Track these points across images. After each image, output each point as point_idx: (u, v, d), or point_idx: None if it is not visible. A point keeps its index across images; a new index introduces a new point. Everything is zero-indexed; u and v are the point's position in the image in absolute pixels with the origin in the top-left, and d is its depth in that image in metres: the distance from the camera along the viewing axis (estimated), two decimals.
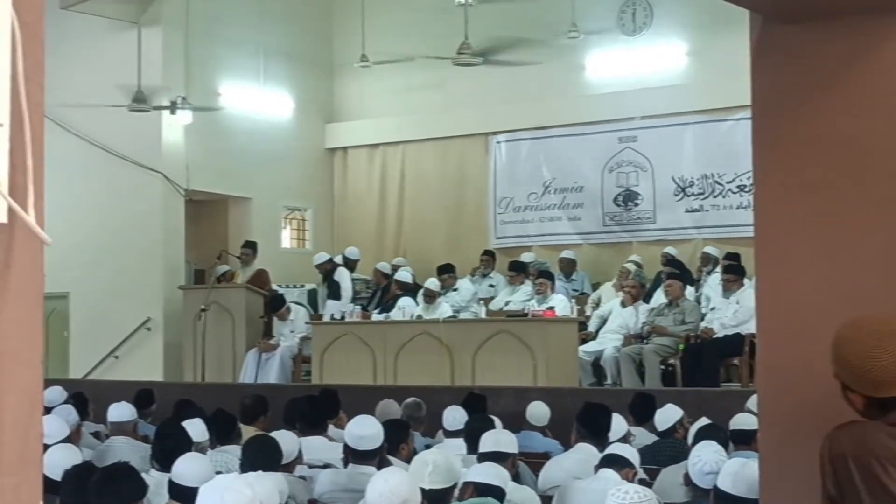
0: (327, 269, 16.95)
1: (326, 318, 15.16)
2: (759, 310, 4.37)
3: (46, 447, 6.34)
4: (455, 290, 15.95)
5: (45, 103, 1.84)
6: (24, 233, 1.79)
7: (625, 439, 8.06)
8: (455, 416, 9.00)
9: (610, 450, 6.97)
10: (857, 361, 3.57)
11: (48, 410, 8.96)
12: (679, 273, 14.29)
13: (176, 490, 6.05)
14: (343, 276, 16.66)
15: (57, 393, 10.78)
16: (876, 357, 3.55)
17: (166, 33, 17.09)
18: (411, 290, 16.04)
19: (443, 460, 5.74)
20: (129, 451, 8.48)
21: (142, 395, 11.55)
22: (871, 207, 4.06)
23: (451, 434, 8.87)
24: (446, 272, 16.33)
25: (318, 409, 9.37)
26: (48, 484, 5.75)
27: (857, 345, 3.58)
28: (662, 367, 13.37)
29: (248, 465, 6.51)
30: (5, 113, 1.74)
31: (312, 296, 17.63)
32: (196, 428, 8.19)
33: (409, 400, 10.35)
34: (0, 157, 1.74)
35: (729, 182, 16.23)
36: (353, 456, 7.18)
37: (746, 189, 15.68)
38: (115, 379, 15.71)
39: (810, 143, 4.17)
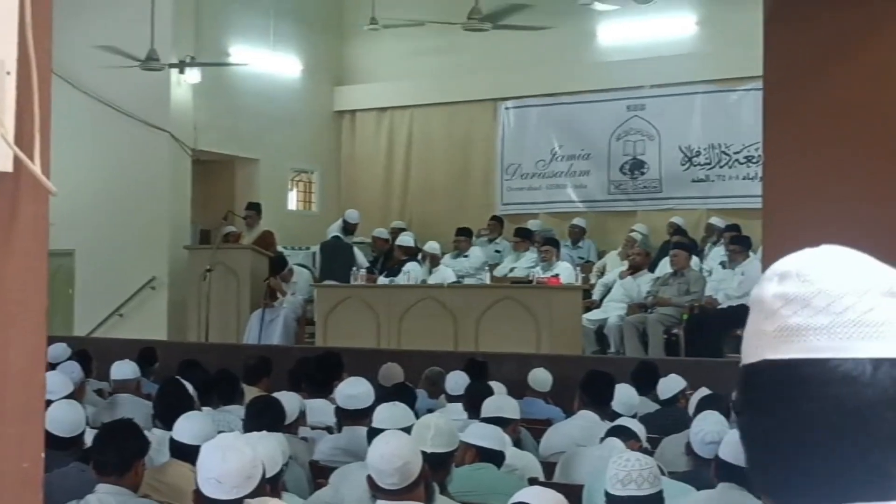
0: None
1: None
2: None
3: (49, 403, 6.35)
4: (466, 256, 15.90)
5: (52, 52, 1.83)
6: (29, 182, 1.77)
7: (634, 416, 8.06)
8: (457, 381, 9.02)
9: (619, 422, 6.99)
10: None
11: (52, 367, 8.98)
12: (685, 243, 14.28)
13: (177, 448, 6.06)
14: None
15: (61, 349, 10.80)
16: None
17: None
18: (414, 254, 16.05)
19: (444, 424, 5.76)
20: (133, 408, 8.50)
21: (145, 354, 11.58)
22: (881, 180, 4.04)
23: (452, 399, 8.90)
24: (463, 234, 16.25)
25: (321, 371, 9.39)
26: (52, 440, 5.77)
27: None
28: (666, 336, 13.38)
29: (251, 425, 6.52)
30: (12, 60, 1.73)
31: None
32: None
33: (434, 368, 10.38)
34: (7, 105, 1.73)
35: (736, 153, 16.18)
36: (344, 416, 7.22)
37: (753, 160, 15.64)
38: (119, 337, 15.72)
39: (822, 112, 4.14)
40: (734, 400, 1.43)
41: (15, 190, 1.77)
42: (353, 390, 7.23)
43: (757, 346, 1.33)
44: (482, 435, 6.24)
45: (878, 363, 1.26)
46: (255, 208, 16.85)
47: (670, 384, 8.99)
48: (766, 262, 4.37)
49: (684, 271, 13.64)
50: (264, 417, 6.62)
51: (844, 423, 1.25)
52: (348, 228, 17.38)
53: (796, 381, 1.28)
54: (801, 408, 1.27)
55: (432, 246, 15.93)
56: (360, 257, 16.43)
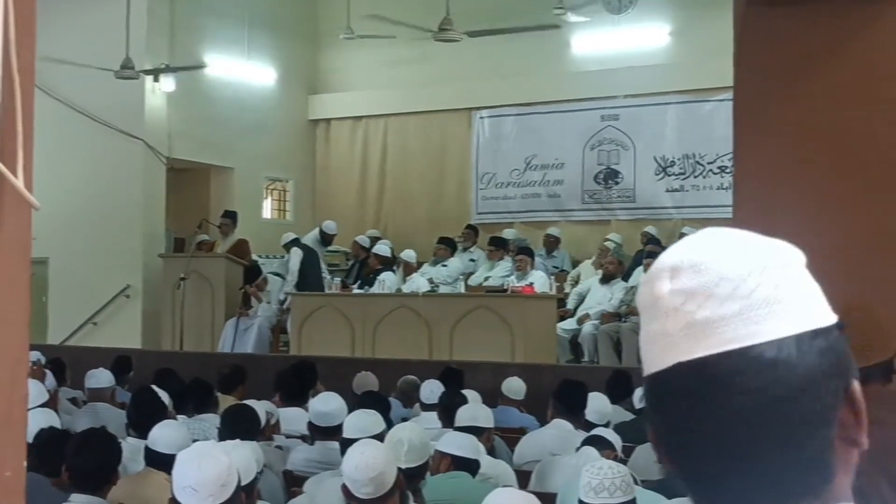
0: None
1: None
2: None
3: None
4: (445, 265, 15.88)
5: (35, 69, 1.86)
6: (12, 196, 1.81)
7: (606, 425, 8.09)
8: (432, 390, 9.05)
9: (595, 432, 7.03)
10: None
11: None
12: (659, 252, 14.32)
13: (152, 456, 6.07)
14: (294, 256, 16.42)
15: (35, 358, 10.76)
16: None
17: (151, 2, 17.01)
18: (390, 263, 16.05)
19: (416, 438, 5.78)
20: (107, 417, 8.50)
21: (120, 362, 11.56)
22: (850, 192, 4.10)
23: (427, 407, 8.92)
24: (444, 243, 16.19)
25: (296, 379, 9.41)
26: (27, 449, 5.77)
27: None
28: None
29: (226, 433, 6.54)
30: None
31: None
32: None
33: (408, 377, 10.40)
34: None
35: (710, 163, 16.27)
36: (317, 432, 7.24)
37: (727, 170, 15.73)
38: (93, 345, 15.69)
39: (791, 125, 4.20)
40: (644, 412, 1.35)
41: None
42: (326, 407, 7.25)
43: (662, 349, 1.22)
44: (457, 444, 6.28)
45: (799, 339, 1.18)
46: (230, 216, 16.83)
47: (640, 392, 9.02)
48: None
49: None
50: (239, 425, 6.64)
51: (779, 412, 1.16)
52: (325, 239, 17.38)
53: (719, 379, 1.17)
54: (730, 406, 1.17)
55: (408, 254, 15.95)
56: (295, 263, 16.41)
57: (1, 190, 1.79)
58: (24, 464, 1.82)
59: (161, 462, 5.81)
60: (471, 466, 6.25)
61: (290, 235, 17.03)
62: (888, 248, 4.04)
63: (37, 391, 8.04)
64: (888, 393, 3.59)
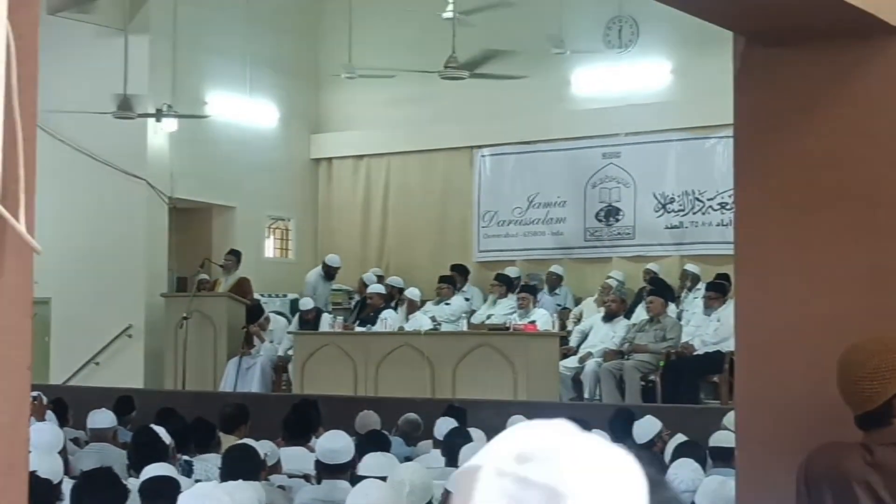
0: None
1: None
2: (739, 328, 4.41)
3: None
4: (448, 304, 15.84)
5: (37, 114, 1.87)
6: (14, 241, 1.81)
7: None
8: (447, 427, 9.03)
9: None
10: (838, 380, 3.62)
11: None
12: (661, 290, 14.32)
13: (145, 497, 6.04)
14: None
15: (34, 394, 10.73)
16: (839, 372, 3.61)
17: (153, 41, 17.10)
18: (389, 300, 16.11)
19: (419, 479, 5.76)
20: (109, 457, 8.48)
21: (122, 402, 11.54)
22: (850, 229, 4.10)
23: (439, 444, 8.89)
24: (446, 282, 16.17)
25: (298, 418, 9.39)
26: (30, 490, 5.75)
27: (840, 364, 3.63)
28: (643, 383, 13.41)
29: (228, 473, 6.52)
30: None
31: (294, 305, 17.63)
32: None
33: (410, 416, 10.38)
34: None
35: (710, 199, 16.28)
36: (324, 471, 7.20)
37: (727, 206, 15.73)
38: (95, 385, 15.67)
39: (791, 164, 4.21)
40: None
41: (0, 248, 1.80)
42: (334, 444, 7.21)
43: None
44: None
45: None
46: (235, 254, 16.87)
47: (647, 427, 8.98)
48: (739, 309, 4.42)
49: (660, 317, 13.70)
50: (241, 465, 6.62)
51: None
52: (329, 273, 17.42)
53: None
54: None
55: (413, 292, 15.96)
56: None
57: (3, 234, 1.80)
58: None
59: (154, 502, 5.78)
60: None
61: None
62: (891, 284, 4.04)
63: (53, 435, 8.05)
64: None
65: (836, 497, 3.53)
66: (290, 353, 15.58)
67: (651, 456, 8.53)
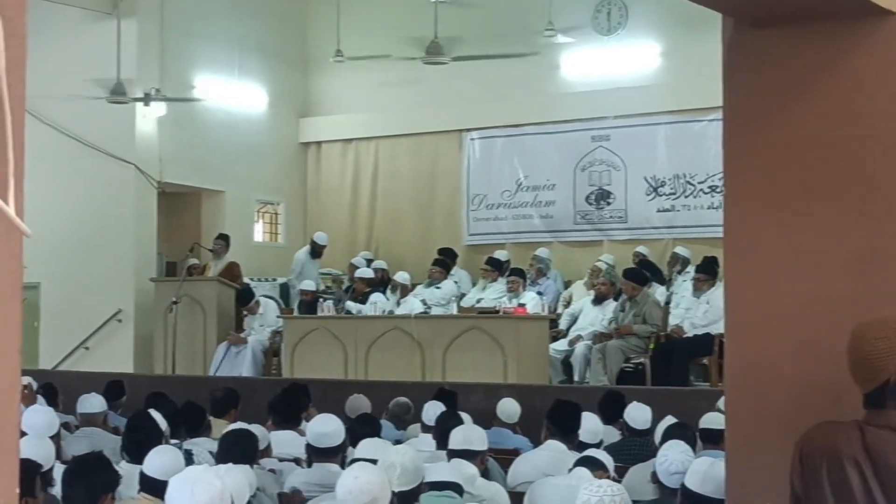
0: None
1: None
2: (728, 310, 4.41)
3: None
4: (439, 287, 15.83)
5: (26, 98, 1.86)
6: (3, 224, 1.81)
7: (598, 445, 8.07)
8: (435, 411, 9.03)
9: (587, 453, 7.02)
10: (848, 353, 3.61)
11: None
12: (635, 271, 14.30)
13: (147, 482, 6.05)
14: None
15: (25, 382, 10.73)
16: (851, 348, 3.60)
17: (141, 25, 17.05)
18: (376, 284, 16.11)
19: (409, 461, 5.76)
20: (100, 442, 8.48)
21: (112, 387, 11.54)
22: (840, 212, 4.10)
23: (428, 429, 8.91)
24: (438, 265, 16.13)
25: (288, 402, 9.39)
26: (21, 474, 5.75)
27: (852, 337, 3.62)
28: (631, 366, 13.43)
29: (224, 456, 6.52)
30: None
31: (284, 289, 17.63)
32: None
33: (400, 399, 10.39)
34: None
35: (700, 182, 16.29)
36: (315, 454, 7.21)
37: (717, 190, 15.74)
38: (85, 370, 15.66)
39: (780, 146, 4.21)
40: None
41: None
42: (325, 428, 7.22)
43: None
44: (442, 473, 6.21)
45: None
46: (224, 239, 16.87)
47: (644, 416, 8.90)
48: (728, 291, 4.43)
49: (637, 298, 13.70)
50: (238, 449, 6.63)
51: None
52: (316, 250, 17.40)
53: None
54: None
55: (402, 276, 15.94)
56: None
57: None
58: (17, 491, 1.82)
59: (155, 488, 5.78)
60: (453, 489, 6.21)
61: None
62: (878, 268, 4.05)
63: (47, 419, 8.06)
64: None
65: (830, 475, 3.54)
66: (277, 339, 15.54)
67: (641, 441, 8.54)
